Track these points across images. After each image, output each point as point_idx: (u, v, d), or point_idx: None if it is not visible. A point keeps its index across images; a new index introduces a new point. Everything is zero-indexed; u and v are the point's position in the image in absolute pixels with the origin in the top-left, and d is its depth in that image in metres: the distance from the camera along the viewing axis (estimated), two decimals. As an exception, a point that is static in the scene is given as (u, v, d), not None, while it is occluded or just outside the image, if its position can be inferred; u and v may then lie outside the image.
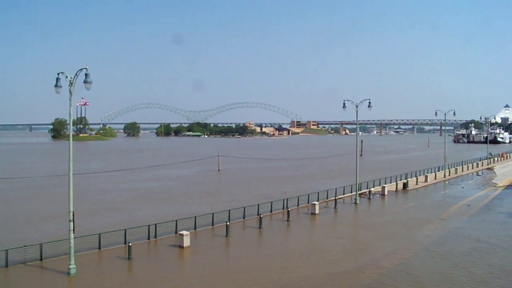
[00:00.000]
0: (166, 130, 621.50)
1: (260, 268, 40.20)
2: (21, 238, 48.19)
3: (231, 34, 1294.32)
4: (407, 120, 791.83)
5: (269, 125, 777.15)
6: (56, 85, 38.01)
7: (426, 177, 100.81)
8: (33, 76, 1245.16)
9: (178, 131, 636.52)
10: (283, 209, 64.09)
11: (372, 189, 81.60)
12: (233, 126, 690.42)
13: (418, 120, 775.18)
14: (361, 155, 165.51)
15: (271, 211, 63.26)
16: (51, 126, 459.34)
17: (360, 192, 76.88)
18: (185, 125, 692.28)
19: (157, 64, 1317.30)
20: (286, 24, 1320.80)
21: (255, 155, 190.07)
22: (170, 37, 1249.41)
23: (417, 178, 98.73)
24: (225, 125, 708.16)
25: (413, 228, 56.22)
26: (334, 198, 71.34)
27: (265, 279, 37.00)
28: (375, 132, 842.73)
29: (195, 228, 52.68)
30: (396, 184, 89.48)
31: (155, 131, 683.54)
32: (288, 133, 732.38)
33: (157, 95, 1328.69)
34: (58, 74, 38.01)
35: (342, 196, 76.04)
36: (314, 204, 64.82)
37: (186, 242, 46.33)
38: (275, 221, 59.93)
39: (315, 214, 63.56)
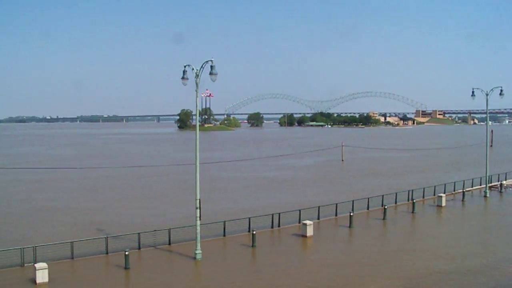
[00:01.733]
0: (289, 120, 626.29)
1: (384, 260, 39.29)
2: (152, 223, 50.71)
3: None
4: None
5: (393, 115, 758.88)
6: (183, 77, 39.36)
7: None
8: (161, 69, 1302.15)
9: (301, 121, 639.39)
10: (408, 200, 62.38)
11: (504, 182, 76.96)
12: (357, 115, 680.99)
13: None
14: (491, 145, 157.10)
15: (395, 203, 61.81)
16: (178, 117, 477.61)
17: (490, 184, 72.76)
18: (308, 115, 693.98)
19: (280, 54, 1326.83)
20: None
21: (379, 145, 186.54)
22: (295, 29, 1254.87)
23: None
24: (349, 115, 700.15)
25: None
26: (462, 190, 68.39)
27: (388, 271, 36.14)
28: (506, 121, 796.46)
29: (318, 218, 52.57)
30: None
31: (278, 121, 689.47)
32: (413, 123, 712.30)
33: (281, 85, 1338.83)
34: (185, 66, 39.28)
35: (471, 188, 72.67)
36: (441, 196, 62.40)
37: (310, 231, 46.34)
38: (400, 212, 58.44)
39: (441, 206, 61.16)
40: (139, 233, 42.28)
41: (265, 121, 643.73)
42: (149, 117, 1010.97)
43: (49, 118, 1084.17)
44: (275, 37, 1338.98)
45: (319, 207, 53.59)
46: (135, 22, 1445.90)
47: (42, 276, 33.47)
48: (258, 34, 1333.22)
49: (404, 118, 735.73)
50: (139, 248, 41.65)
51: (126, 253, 36.56)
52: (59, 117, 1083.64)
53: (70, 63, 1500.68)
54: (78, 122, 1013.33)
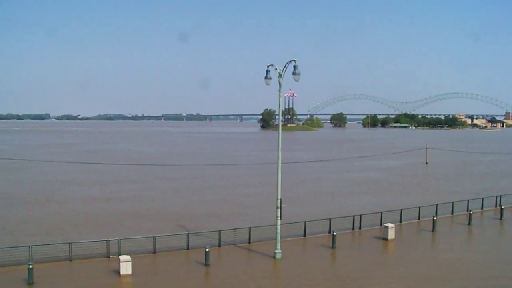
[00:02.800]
0: (372, 121, 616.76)
1: (470, 270, 37.99)
2: (233, 221, 51.18)
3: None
4: None
5: (481, 117, 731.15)
6: (266, 77, 39.46)
7: None
8: (243, 69, 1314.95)
9: (384, 122, 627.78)
10: (496, 206, 59.90)
11: None
12: (442, 117, 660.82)
13: None
14: None
15: (482, 208, 59.50)
16: (260, 117, 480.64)
17: None
18: (392, 116, 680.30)
19: (364, 54, 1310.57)
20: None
21: (465, 148, 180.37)
22: (381, 28, 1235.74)
23: None
24: (434, 116, 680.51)
25: None
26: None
27: (476, 282, 34.83)
28: None
29: (400, 221, 51.42)
30: None
31: (361, 122, 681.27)
32: (502, 126, 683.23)
33: (364, 85, 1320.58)
34: (268, 66, 39.39)
35: None
36: (533, 203, 59.50)
37: (391, 234, 45.37)
38: (487, 219, 56.11)
39: (534, 213, 58.25)
40: (219, 231, 42.81)
41: (348, 122, 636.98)
42: (232, 116, 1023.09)
43: (135, 116, 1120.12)
44: (360, 36, 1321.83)
45: (401, 210, 52.42)
46: (229, 20, 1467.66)
47: (125, 268, 34.57)
48: (343, 34, 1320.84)
49: (493, 121, 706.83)
50: (219, 245, 42.17)
51: (207, 249, 37.08)
52: (144, 115, 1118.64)
53: (157, 65, 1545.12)
54: (162, 120, 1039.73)
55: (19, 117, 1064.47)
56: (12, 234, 47.05)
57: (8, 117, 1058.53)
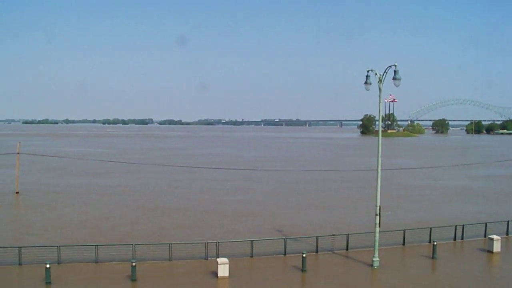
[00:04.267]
0: (477, 128, 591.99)
1: None
2: (330, 227, 50.90)
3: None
4: None
5: None
6: (365, 82, 39.03)
7: None
8: (342, 74, 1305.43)
9: (490, 129, 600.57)
10: None
11: None
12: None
13: None
14: None
15: None
16: (360, 122, 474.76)
17: None
18: (498, 123, 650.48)
19: (466, 58, 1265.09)
20: None
21: None
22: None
23: None
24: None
25: None
26: None
27: None
28: None
29: (507, 233, 48.85)
30: None
31: (464, 128, 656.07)
32: None
33: (468, 90, 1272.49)
34: (368, 71, 38.94)
35: None
36: None
37: (496, 247, 43.12)
38: None
39: None
40: (317, 237, 42.66)
41: (451, 128, 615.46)
42: (332, 122, 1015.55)
43: (235, 121, 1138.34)
44: (462, 40, 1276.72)
45: (508, 221, 49.91)
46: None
47: (223, 270, 35.21)
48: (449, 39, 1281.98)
49: None
50: (317, 252, 42.01)
51: (304, 255, 37.06)
52: (243, 120, 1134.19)
53: (257, 71, 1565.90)
54: (262, 125, 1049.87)
55: (124, 122, 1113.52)
56: (121, 233, 49.42)
57: (115, 121, 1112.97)
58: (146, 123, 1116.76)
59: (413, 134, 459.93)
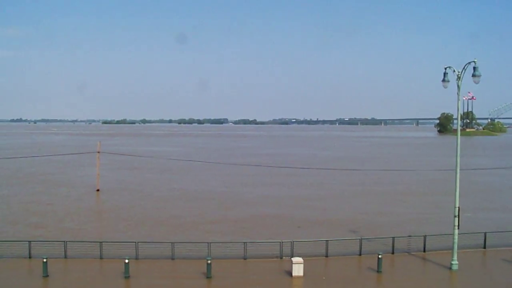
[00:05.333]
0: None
1: None
2: (407, 228, 49.93)
3: None
4: None
5: None
6: (443, 80, 38.01)
7: None
8: (419, 71, 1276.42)
9: None
10: None
11: None
12: None
13: None
14: None
15: None
16: (437, 121, 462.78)
17: None
18: None
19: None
20: None
21: None
22: None
23: None
24: None
25: None
26: None
27: None
28: None
29: None
30: None
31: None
32: None
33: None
34: (446, 68, 37.91)
35: None
36: None
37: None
38: None
39: None
40: (393, 237, 41.88)
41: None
42: (408, 121, 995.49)
43: (309, 120, 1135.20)
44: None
45: None
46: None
47: (297, 269, 35.24)
48: None
49: None
50: (393, 253, 41.27)
51: (380, 256, 36.54)
52: (318, 119, 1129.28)
53: (332, 69, 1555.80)
54: (336, 124, 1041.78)
55: (199, 122, 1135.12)
56: (193, 232, 50.30)
57: (190, 121, 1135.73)
58: (221, 123, 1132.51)
59: (494, 133, 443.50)
